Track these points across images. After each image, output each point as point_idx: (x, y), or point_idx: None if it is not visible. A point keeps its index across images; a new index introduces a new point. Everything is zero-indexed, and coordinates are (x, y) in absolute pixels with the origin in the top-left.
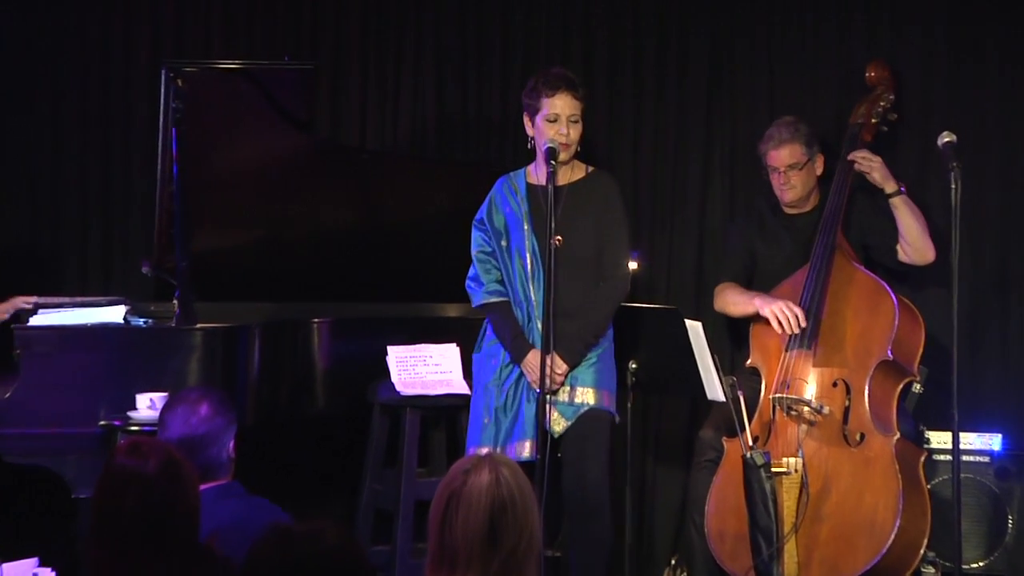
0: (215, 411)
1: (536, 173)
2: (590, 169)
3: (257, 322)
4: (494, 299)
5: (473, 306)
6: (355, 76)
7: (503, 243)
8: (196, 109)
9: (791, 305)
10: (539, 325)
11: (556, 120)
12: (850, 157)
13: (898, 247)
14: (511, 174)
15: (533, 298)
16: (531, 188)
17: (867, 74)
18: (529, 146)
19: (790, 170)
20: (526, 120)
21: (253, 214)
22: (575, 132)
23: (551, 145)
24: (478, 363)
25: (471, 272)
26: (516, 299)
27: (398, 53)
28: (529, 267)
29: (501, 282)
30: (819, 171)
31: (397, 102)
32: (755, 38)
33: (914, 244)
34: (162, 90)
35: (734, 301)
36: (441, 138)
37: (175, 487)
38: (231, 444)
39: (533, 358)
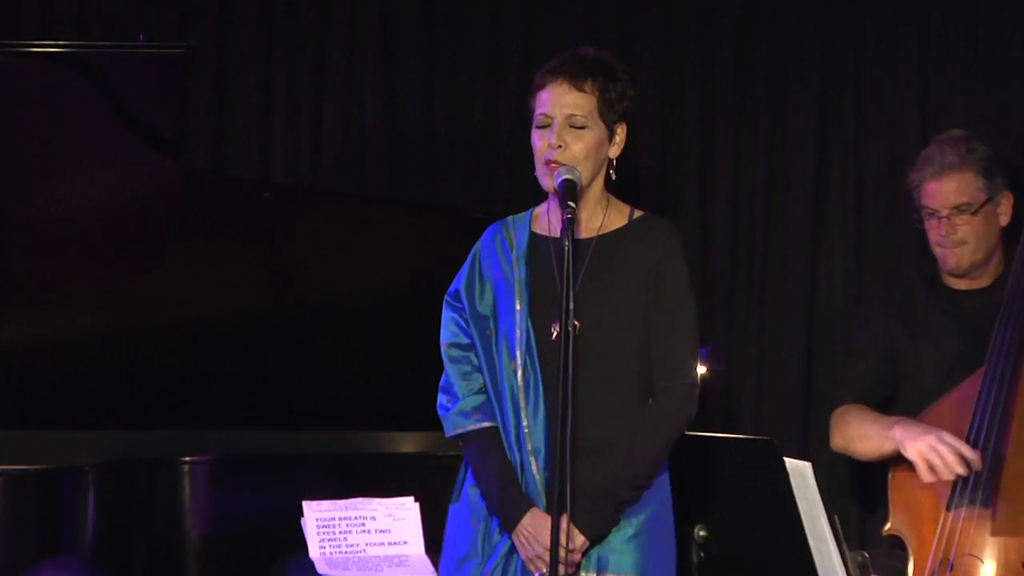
0: None
1: (548, 218)
2: (636, 214)
3: (93, 462)
4: (473, 425)
5: (447, 436)
6: (253, 71)
7: (488, 332)
8: None
9: (948, 439)
10: (536, 470)
11: (547, 125)
12: None
13: None
14: (509, 220)
15: (526, 426)
16: (535, 241)
17: None
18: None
19: (957, 214)
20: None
21: (90, 287)
22: (579, 143)
23: (567, 176)
24: (454, 520)
25: (443, 380)
26: (504, 427)
27: (321, 39)
28: (520, 375)
29: (486, 393)
30: (1004, 220)
31: (320, 114)
32: (897, 19)
33: None
34: None
35: (862, 434)
36: (391, 169)
37: None
38: None
39: (531, 524)
